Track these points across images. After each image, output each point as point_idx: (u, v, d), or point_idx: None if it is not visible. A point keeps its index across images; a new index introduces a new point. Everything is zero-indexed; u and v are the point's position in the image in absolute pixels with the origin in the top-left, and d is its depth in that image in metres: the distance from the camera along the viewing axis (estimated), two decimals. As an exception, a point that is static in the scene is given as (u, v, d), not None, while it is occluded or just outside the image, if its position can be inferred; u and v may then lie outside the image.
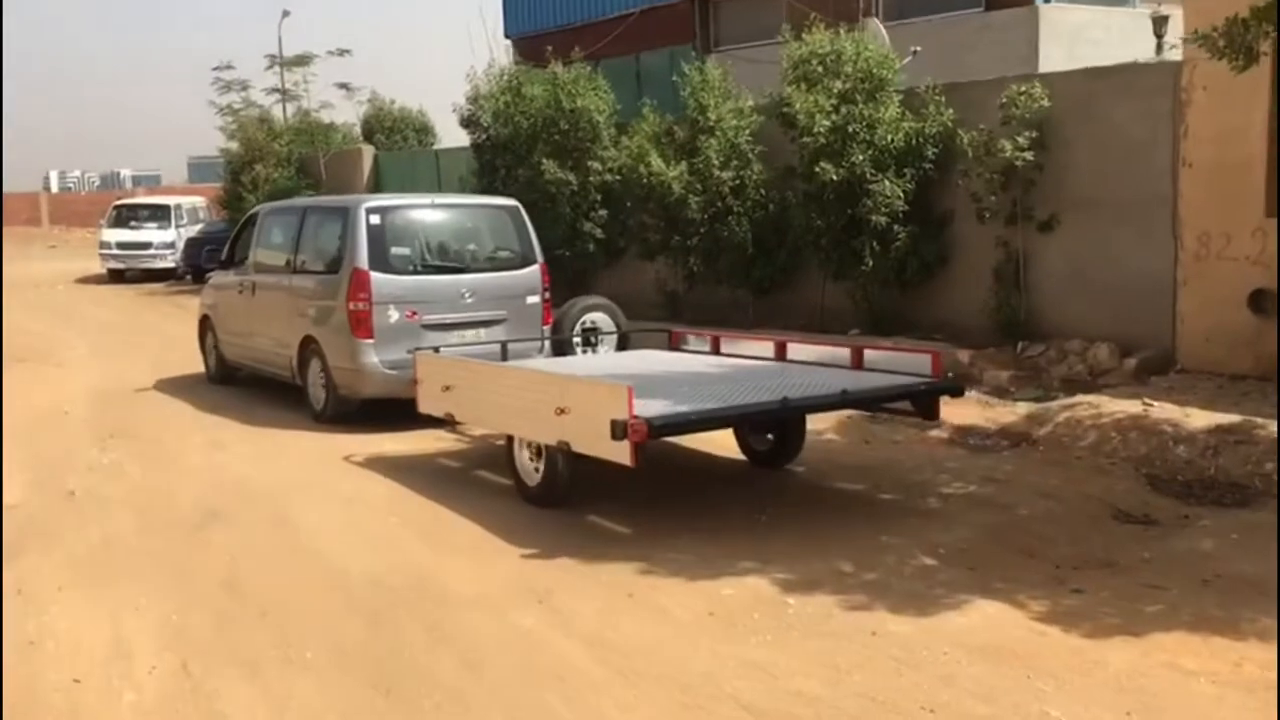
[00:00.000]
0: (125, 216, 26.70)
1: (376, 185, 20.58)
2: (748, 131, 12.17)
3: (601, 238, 14.17)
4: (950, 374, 7.77)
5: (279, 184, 22.27)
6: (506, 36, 23.52)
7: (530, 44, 21.88)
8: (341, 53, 22.15)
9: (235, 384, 11.84)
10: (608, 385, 6.18)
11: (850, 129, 10.73)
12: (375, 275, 9.14)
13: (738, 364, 8.02)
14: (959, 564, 5.86)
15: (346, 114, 24.05)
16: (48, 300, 22.61)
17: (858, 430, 8.80)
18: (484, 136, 15.73)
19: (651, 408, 6.09)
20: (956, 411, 9.14)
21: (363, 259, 9.16)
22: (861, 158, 10.63)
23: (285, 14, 37.60)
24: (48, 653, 4.90)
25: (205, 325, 12.16)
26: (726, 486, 7.51)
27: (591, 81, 14.24)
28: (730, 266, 12.39)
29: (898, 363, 7.27)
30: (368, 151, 20.92)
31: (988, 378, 9.90)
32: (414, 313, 9.21)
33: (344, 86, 22.33)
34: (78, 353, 15.14)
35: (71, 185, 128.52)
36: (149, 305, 21.60)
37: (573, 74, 14.18)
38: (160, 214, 26.33)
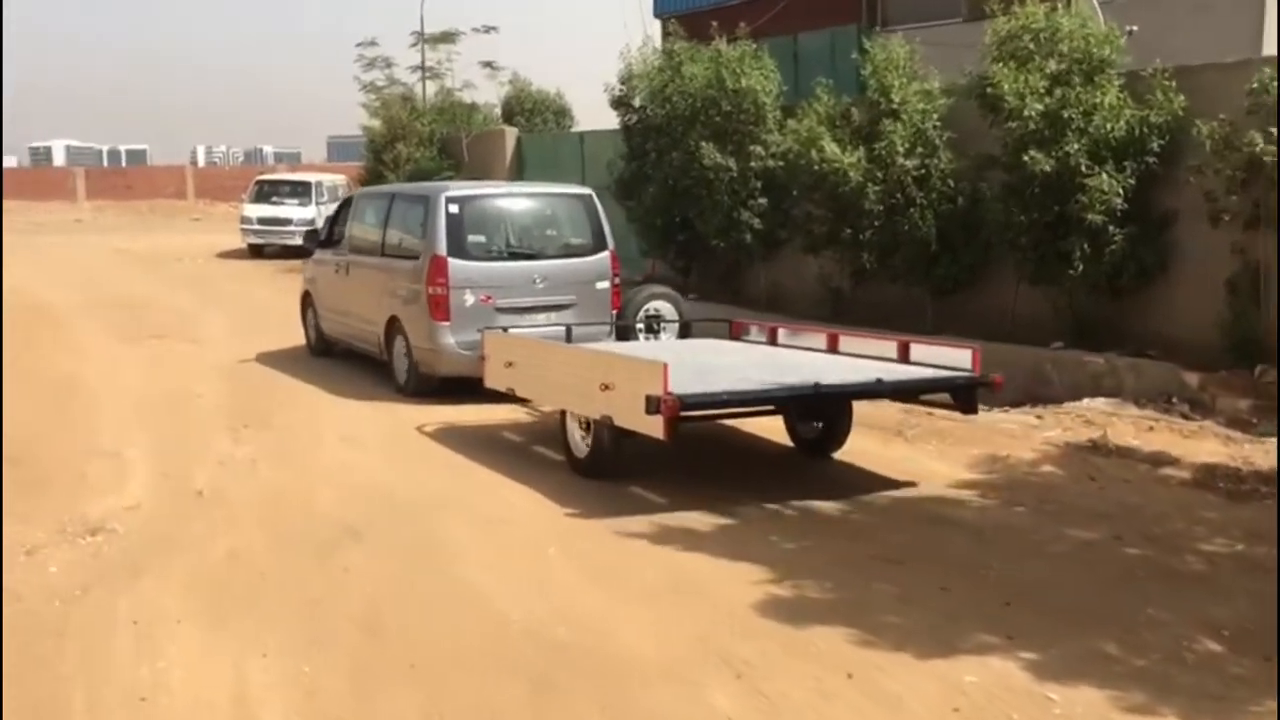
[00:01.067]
0: (267, 192, 26.62)
1: (518, 168, 19.87)
2: (936, 116, 10.96)
3: (760, 228, 13.11)
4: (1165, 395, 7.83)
5: (420, 164, 21.78)
6: (656, 15, 22.58)
7: (680, 23, 20.92)
8: (487, 29, 21.49)
9: (352, 361, 11.43)
10: (646, 363, 6.50)
11: (1065, 115, 9.44)
12: (453, 261, 9.56)
13: (789, 354, 8.21)
14: (1251, 651, 4.68)
15: (487, 94, 23.35)
16: (188, 274, 22.60)
17: (1079, 463, 7.58)
18: (634, 118, 14.83)
19: (688, 386, 6.33)
20: (1197, 447, 7.89)
21: (441, 245, 9.60)
22: (1076, 147, 9.33)
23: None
24: (159, 712, 4.12)
25: (306, 300, 12.63)
26: (934, 528, 6.41)
27: (757, 60, 13.17)
28: (908, 264, 11.21)
29: (940, 357, 7.32)
30: (510, 133, 20.20)
31: (1222, 405, 8.58)
32: (488, 297, 9.60)
33: (489, 65, 21.67)
34: (214, 329, 14.79)
35: (217, 160, 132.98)
36: (286, 282, 21.35)
37: (738, 51, 13.13)
38: (301, 191, 26.16)
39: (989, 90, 9.81)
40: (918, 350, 7.45)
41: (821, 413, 7.63)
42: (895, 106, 11.00)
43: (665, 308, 10.17)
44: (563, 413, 7.43)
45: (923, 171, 10.89)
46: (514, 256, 10.01)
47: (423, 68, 23.29)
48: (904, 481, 7.19)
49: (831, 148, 11.12)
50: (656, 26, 22.50)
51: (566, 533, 6.22)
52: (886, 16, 18.02)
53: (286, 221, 25.34)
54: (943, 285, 11.11)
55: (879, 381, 6.92)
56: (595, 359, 7.16)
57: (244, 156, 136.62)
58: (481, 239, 9.95)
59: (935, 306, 11.29)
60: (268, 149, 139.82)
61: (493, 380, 8.21)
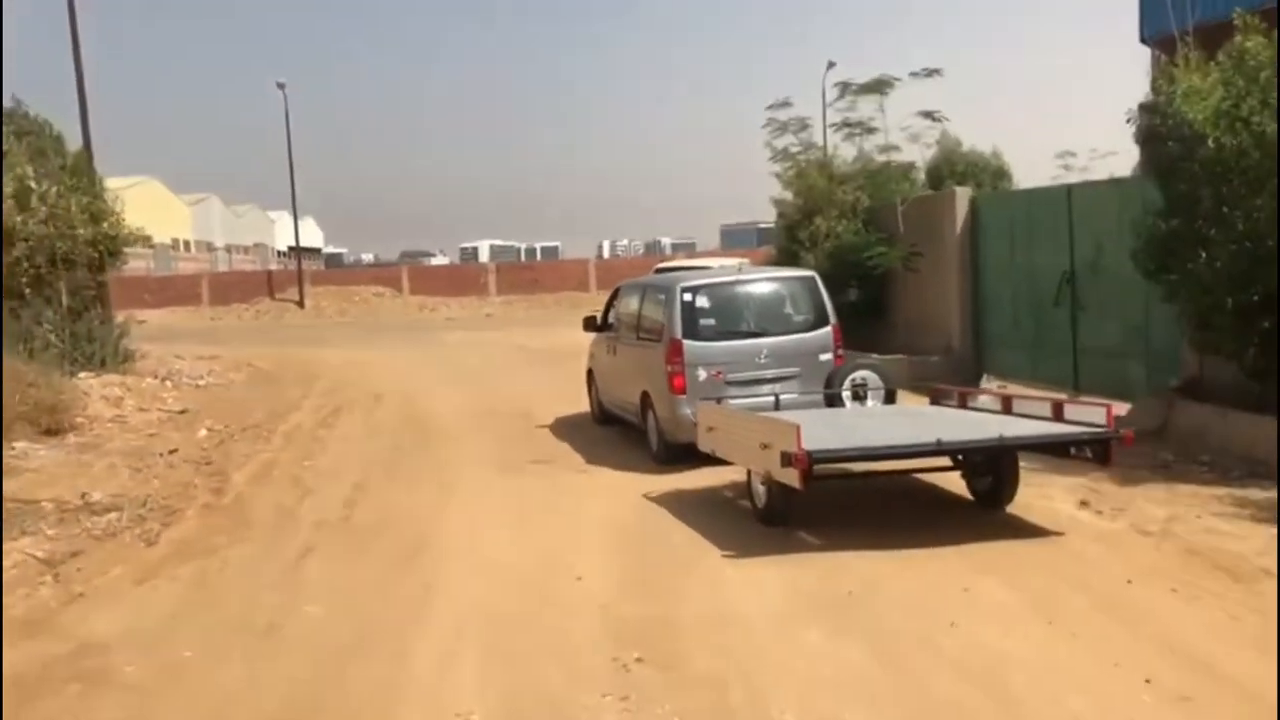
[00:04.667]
0: (666, 281, 24.08)
1: (973, 236, 15.59)
2: None
3: None
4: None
5: (844, 239, 18.08)
6: (1142, 41, 17.70)
7: (1175, 45, 15.98)
8: (929, 73, 17.42)
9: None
10: (784, 424, 7.43)
11: None
12: (687, 343, 10.73)
13: (961, 415, 9.07)
14: None
15: (909, 155, 19.16)
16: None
17: None
18: (1171, 154, 10.21)
19: (826, 443, 7.37)
20: None
21: (678, 329, 10.77)
22: None
23: (830, 65, 34.06)
24: None
25: (590, 377, 14.24)
26: None
27: None
28: None
29: (1080, 414, 7.96)
30: (962, 195, 15.94)
31: None
32: (719, 372, 10.65)
33: (929, 115, 17.56)
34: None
35: (620, 253, 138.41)
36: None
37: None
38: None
39: None
40: (1069, 409, 8.13)
41: (988, 468, 8.28)
42: None
43: (871, 376, 10.60)
44: (749, 470, 8.28)
45: None
46: (742, 335, 11.00)
47: (825, 126, 19.75)
48: None
49: None
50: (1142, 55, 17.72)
51: None
52: None
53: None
54: None
55: (1000, 438, 7.61)
56: (756, 422, 8.07)
57: (644, 248, 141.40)
58: (712, 322, 10.98)
59: None
60: (665, 240, 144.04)
61: (702, 444, 9.15)
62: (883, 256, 17.01)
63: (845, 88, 17.89)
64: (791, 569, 7.01)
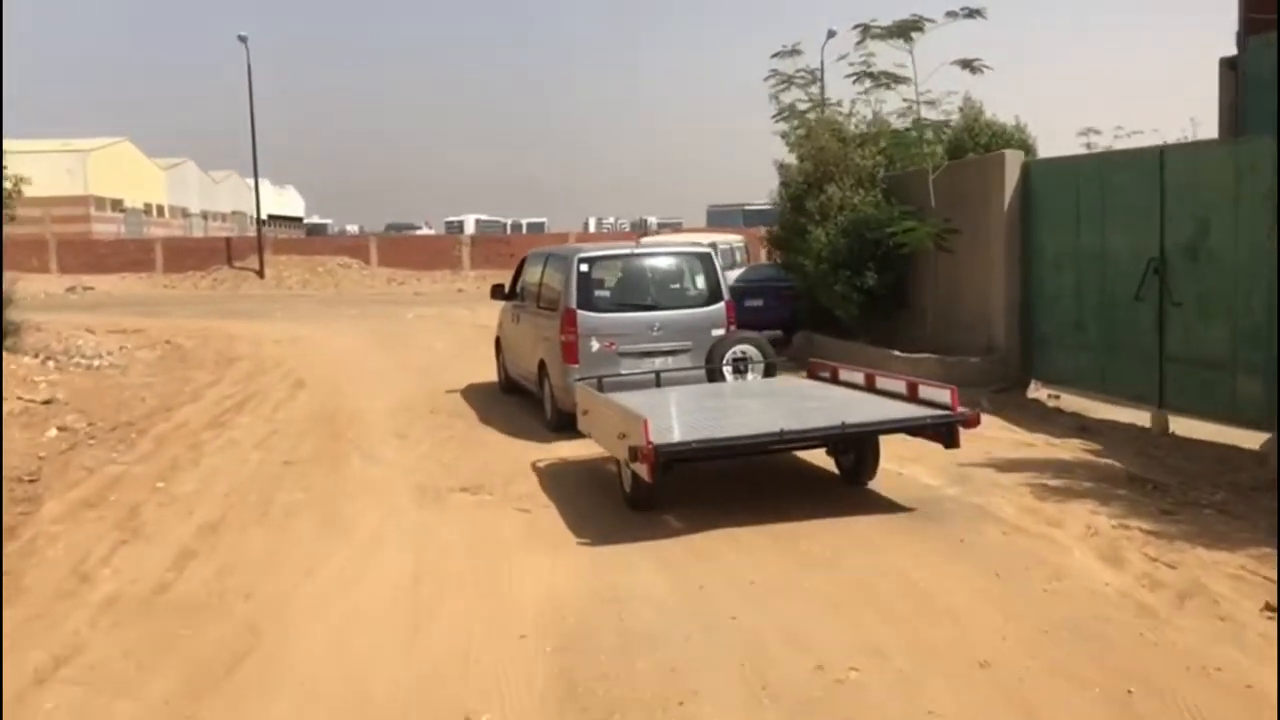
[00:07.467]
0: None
1: (1026, 211, 12.68)
2: None
3: None
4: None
5: (862, 212, 15.08)
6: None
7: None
8: (970, 13, 14.33)
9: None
10: (634, 417, 7.17)
11: None
12: (581, 313, 10.73)
13: (820, 392, 9.10)
14: None
15: (934, 115, 16.01)
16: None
17: None
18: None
19: (670, 436, 7.31)
20: None
21: (573, 299, 10.76)
22: None
23: (830, 34, 31.03)
24: None
25: (498, 346, 14.22)
26: None
27: None
28: None
29: (932, 395, 8.01)
30: (1012, 159, 12.89)
31: None
32: (612, 343, 10.71)
33: (967, 65, 14.54)
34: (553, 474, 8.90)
35: (607, 229, 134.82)
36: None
37: None
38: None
39: None
40: (923, 390, 8.18)
41: (849, 446, 8.37)
42: None
43: (752, 351, 10.65)
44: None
45: None
46: (636, 308, 11.06)
47: (823, 96, 16.66)
48: None
49: None
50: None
51: None
52: None
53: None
54: None
55: (842, 425, 7.52)
56: (614, 411, 7.87)
57: (630, 226, 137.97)
58: (608, 293, 11.28)
59: None
60: (652, 219, 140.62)
61: (580, 426, 8.92)
62: (910, 233, 14.02)
63: (866, 31, 14.77)
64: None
